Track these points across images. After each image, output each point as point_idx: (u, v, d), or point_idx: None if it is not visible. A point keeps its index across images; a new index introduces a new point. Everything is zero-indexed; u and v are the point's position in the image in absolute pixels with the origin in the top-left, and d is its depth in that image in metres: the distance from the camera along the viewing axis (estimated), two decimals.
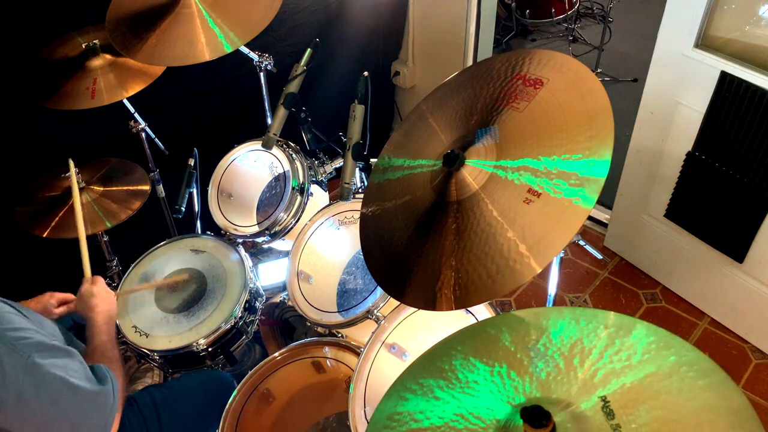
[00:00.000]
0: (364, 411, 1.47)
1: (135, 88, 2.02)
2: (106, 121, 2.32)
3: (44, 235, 1.94)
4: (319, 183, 2.16)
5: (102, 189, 2.07)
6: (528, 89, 1.24)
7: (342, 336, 1.79)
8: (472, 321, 1.56)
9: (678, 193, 2.37)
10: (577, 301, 2.65)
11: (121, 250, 2.28)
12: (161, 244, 2.03)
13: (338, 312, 1.77)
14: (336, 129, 1.95)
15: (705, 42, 2.08)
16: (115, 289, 1.96)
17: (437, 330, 1.53)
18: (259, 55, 2.09)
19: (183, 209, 2.00)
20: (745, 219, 2.17)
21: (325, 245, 1.93)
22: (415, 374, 1.01)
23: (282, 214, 2.01)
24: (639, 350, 0.89)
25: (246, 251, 2.00)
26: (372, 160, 1.63)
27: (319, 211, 1.96)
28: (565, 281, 2.72)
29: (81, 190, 2.02)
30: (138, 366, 2.08)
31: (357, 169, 1.75)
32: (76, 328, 1.76)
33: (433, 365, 1.00)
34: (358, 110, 1.65)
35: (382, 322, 1.59)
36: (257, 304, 1.94)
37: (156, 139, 2.29)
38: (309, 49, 1.79)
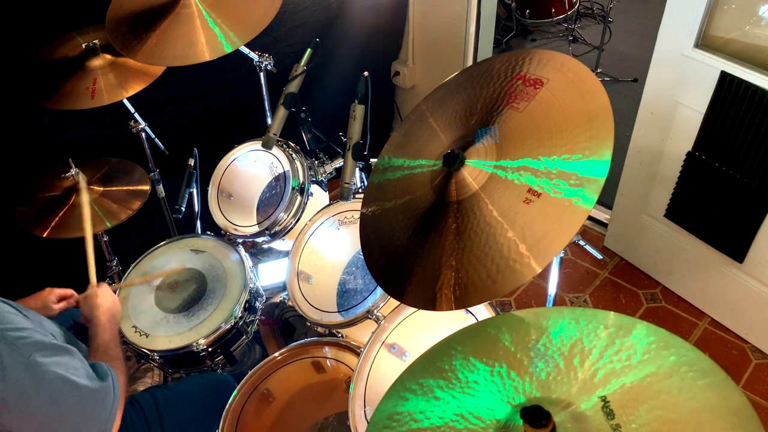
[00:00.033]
0: (364, 411, 1.47)
1: (135, 88, 2.02)
2: (106, 121, 2.32)
3: (44, 235, 1.94)
4: (319, 183, 2.16)
5: (102, 189, 2.07)
6: (528, 89, 1.24)
7: (342, 336, 1.79)
8: (472, 321, 1.56)
9: (678, 193, 2.37)
10: (577, 301, 2.65)
11: (121, 250, 2.28)
12: (161, 244, 2.03)
13: (338, 312, 1.77)
14: (336, 129, 1.95)
15: (705, 42, 2.08)
16: (115, 290, 1.96)
17: (437, 330, 1.53)
18: (259, 55, 2.09)
19: (183, 209, 2.00)
20: (745, 219, 2.17)
21: (325, 245, 1.93)
22: (415, 374, 1.01)
23: (282, 214, 2.01)
24: (639, 350, 0.89)
25: (246, 251, 2.00)
26: (372, 160, 1.63)
27: (319, 211, 1.96)
28: (565, 281, 2.72)
29: (81, 190, 2.03)
30: (138, 366, 2.08)
31: (357, 169, 1.75)
32: (76, 328, 1.76)
33: (433, 365, 1.00)
34: (358, 110, 1.65)
35: (382, 322, 1.59)
36: (257, 304, 1.95)
37: (156, 139, 2.29)
38: (309, 49, 1.79)
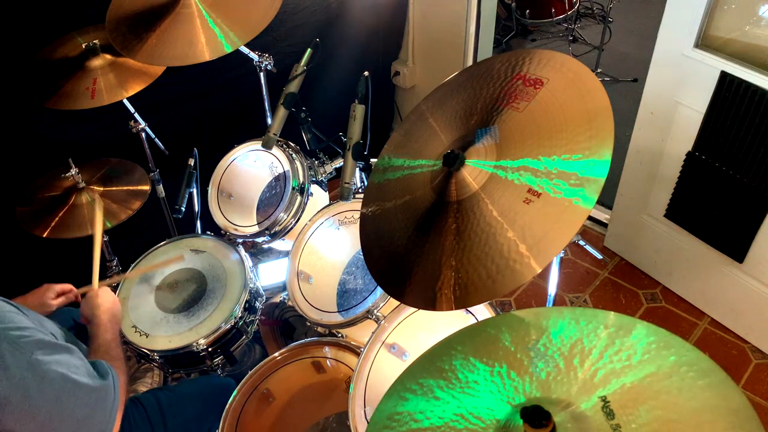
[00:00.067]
0: (364, 411, 1.47)
1: (135, 88, 2.02)
2: (106, 121, 2.32)
3: (44, 235, 1.94)
4: (319, 183, 2.16)
5: (102, 189, 2.07)
6: (528, 89, 1.24)
7: (342, 336, 1.79)
8: (472, 321, 1.56)
9: (678, 193, 2.37)
10: (577, 301, 2.65)
11: (121, 250, 2.28)
12: (161, 244, 2.03)
13: (338, 312, 1.77)
14: (336, 129, 1.95)
15: (705, 42, 2.08)
16: (115, 289, 1.96)
17: (437, 330, 1.53)
18: (259, 55, 2.09)
19: (183, 209, 2.00)
20: (745, 219, 2.17)
21: (325, 245, 1.93)
22: (415, 374, 1.01)
23: (282, 214, 2.01)
24: (639, 350, 0.89)
25: (246, 251, 2.00)
26: (372, 160, 1.63)
27: (319, 211, 1.96)
28: (565, 281, 2.72)
29: (81, 190, 2.03)
30: (138, 366, 2.08)
31: (357, 169, 1.75)
32: (77, 328, 1.76)
33: (433, 365, 1.00)
34: (358, 110, 1.65)
35: (382, 322, 1.59)
36: (257, 304, 1.94)
37: (156, 139, 2.29)
38: (309, 49, 1.79)
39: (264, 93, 2.20)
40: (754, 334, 2.41)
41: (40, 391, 1.14)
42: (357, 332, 1.78)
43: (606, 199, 2.80)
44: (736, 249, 2.25)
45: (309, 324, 1.82)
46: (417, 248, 1.25)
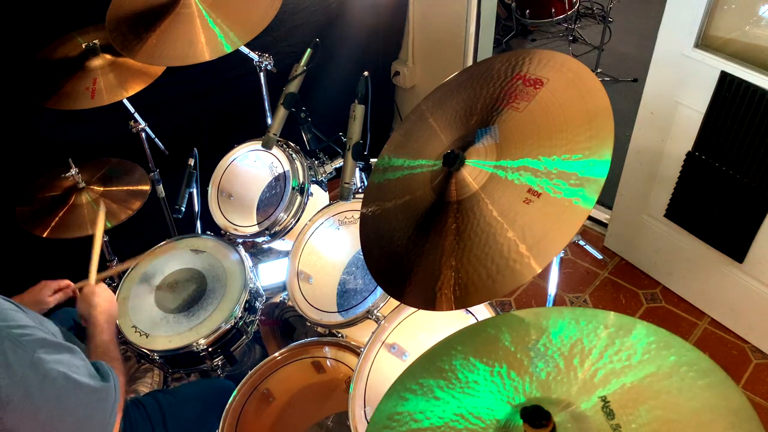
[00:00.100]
0: (364, 411, 1.47)
1: (135, 88, 2.02)
2: (106, 121, 2.32)
3: (44, 235, 1.94)
4: (319, 183, 2.16)
5: (102, 189, 2.07)
6: (528, 89, 1.24)
7: (342, 336, 1.79)
8: (472, 321, 1.56)
9: (678, 193, 2.37)
10: (577, 301, 2.65)
11: (121, 250, 2.28)
12: (161, 244, 2.03)
13: (338, 312, 1.77)
14: (336, 129, 1.95)
15: (705, 42, 2.08)
16: (115, 289, 1.96)
17: (437, 330, 1.53)
18: (259, 55, 2.09)
19: (183, 209, 2.00)
20: (745, 219, 2.17)
21: (325, 245, 1.93)
22: (415, 374, 1.01)
23: (282, 214, 2.01)
24: (639, 350, 0.89)
25: (246, 251, 2.00)
26: (372, 160, 1.63)
27: (319, 211, 1.96)
28: (565, 281, 2.72)
29: (81, 190, 2.03)
30: (138, 366, 2.08)
31: (357, 169, 1.75)
32: (77, 328, 1.76)
33: (433, 365, 1.00)
34: (358, 110, 1.65)
35: (382, 322, 1.59)
36: (257, 304, 1.94)
37: (156, 139, 2.29)
38: (309, 49, 1.79)
39: (264, 93, 2.20)
40: (754, 334, 2.41)
41: (42, 390, 1.14)
42: (357, 332, 1.78)
43: (606, 199, 2.80)
44: (736, 249, 2.25)
45: (309, 324, 1.82)
46: (417, 248, 1.25)
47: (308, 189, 2.03)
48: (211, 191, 2.14)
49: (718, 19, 2.04)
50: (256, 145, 2.14)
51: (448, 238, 1.20)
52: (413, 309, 1.59)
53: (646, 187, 2.50)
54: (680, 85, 2.19)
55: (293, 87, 1.80)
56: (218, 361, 1.89)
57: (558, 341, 0.95)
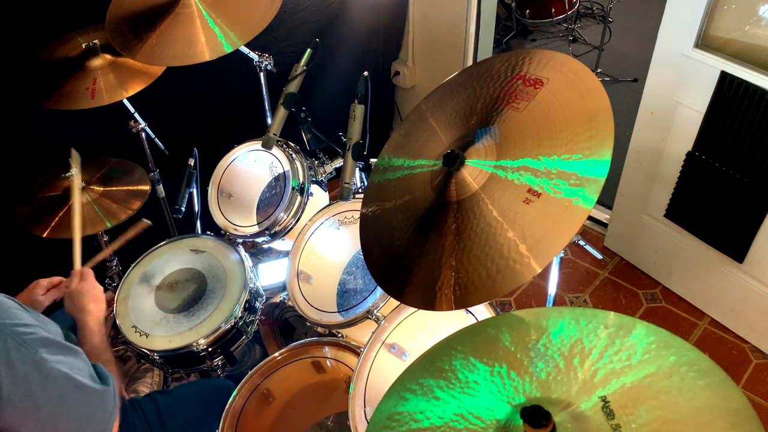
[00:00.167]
0: (364, 411, 1.47)
1: (135, 88, 2.02)
2: (106, 121, 2.32)
3: (44, 235, 1.94)
4: (319, 183, 2.16)
5: (102, 189, 2.08)
6: (528, 89, 1.24)
7: (342, 336, 1.79)
8: (472, 321, 1.56)
9: (678, 193, 2.37)
10: (577, 301, 2.65)
11: (121, 250, 2.27)
12: (161, 244, 2.03)
13: (338, 312, 1.77)
14: (336, 129, 1.95)
15: (705, 42, 2.08)
16: (115, 289, 1.96)
17: (437, 330, 1.53)
18: (259, 55, 2.09)
19: (183, 209, 2.00)
20: (745, 219, 2.17)
21: (325, 245, 1.93)
22: (415, 374, 1.01)
23: (282, 214, 2.01)
24: (639, 350, 0.89)
25: (246, 251, 2.00)
26: (372, 160, 1.63)
27: (319, 211, 1.96)
28: (565, 281, 2.72)
29: (81, 190, 2.03)
30: (138, 366, 2.08)
31: (357, 169, 1.75)
32: (76, 327, 1.76)
33: (433, 365, 1.00)
34: (358, 110, 1.65)
35: (382, 322, 1.59)
36: (257, 304, 1.94)
37: (156, 139, 2.29)
38: (309, 49, 1.79)
39: (264, 93, 2.20)
40: (754, 334, 2.41)
41: (43, 389, 1.14)
42: (357, 332, 1.78)
43: (606, 199, 2.80)
44: (736, 249, 2.25)
45: (309, 324, 1.82)
46: (417, 248, 1.25)
47: (308, 189, 2.03)
48: (211, 191, 2.14)
49: (718, 19, 2.04)
50: (256, 145, 2.14)
51: (448, 238, 1.20)
52: (413, 309, 1.59)
53: (646, 187, 2.50)
54: (680, 85, 2.19)
55: (293, 87, 1.80)
56: (218, 361, 1.89)
57: (558, 341, 0.95)
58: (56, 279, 1.64)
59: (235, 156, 2.18)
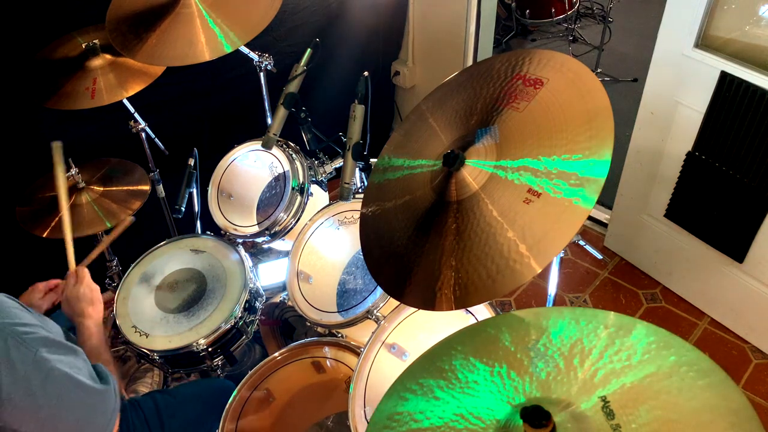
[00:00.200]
0: (364, 411, 1.47)
1: (135, 88, 2.02)
2: (106, 121, 2.32)
3: (44, 235, 1.94)
4: (319, 183, 2.16)
5: (102, 189, 2.07)
6: (528, 89, 1.24)
7: (342, 336, 1.79)
8: (472, 321, 1.56)
9: (678, 193, 2.37)
10: (577, 301, 2.65)
11: (121, 250, 2.28)
12: (161, 244, 2.03)
13: (338, 312, 1.77)
14: (336, 129, 1.95)
15: (705, 42, 2.08)
16: (115, 289, 1.96)
17: (437, 330, 1.53)
18: (259, 55, 2.09)
19: (183, 209, 2.00)
20: (745, 219, 2.17)
21: (325, 245, 1.93)
22: (415, 374, 1.01)
23: (282, 214, 2.01)
24: (639, 350, 0.89)
25: (246, 251, 2.00)
26: (372, 160, 1.63)
27: (319, 211, 1.96)
28: (565, 281, 2.72)
29: (81, 190, 2.03)
30: (138, 366, 2.08)
31: (357, 169, 1.75)
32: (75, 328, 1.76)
33: (433, 365, 1.00)
34: (358, 110, 1.65)
35: (382, 322, 1.59)
36: (257, 304, 1.94)
37: (156, 139, 2.29)
38: (309, 49, 1.79)
39: (264, 93, 2.20)
40: (754, 334, 2.41)
41: (43, 388, 1.14)
42: (357, 332, 1.78)
43: (606, 199, 2.80)
44: (736, 249, 2.25)
45: (309, 324, 1.82)
46: (417, 248, 1.25)
47: (308, 189, 2.03)
48: (211, 191, 2.14)
49: (718, 19, 2.04)
50: (256, 145, 2.15)
51: (448, 238, 1.20)
52: (413, 309, 1.59)
53: (646, 187, 2.50)
54: (680, 85, 2.19)
55: (293, 87, 1.80)
56: (218, 361, 1.89)
57: (558, 341, 0.95)
58: (53, 282, 1.63)
59: (235, 156, 2.18)
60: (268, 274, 2.13)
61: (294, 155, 2.06)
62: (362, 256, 1.41)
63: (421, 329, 1.60)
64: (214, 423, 1.60)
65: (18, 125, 2.26)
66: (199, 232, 2.20)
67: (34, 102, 1.99)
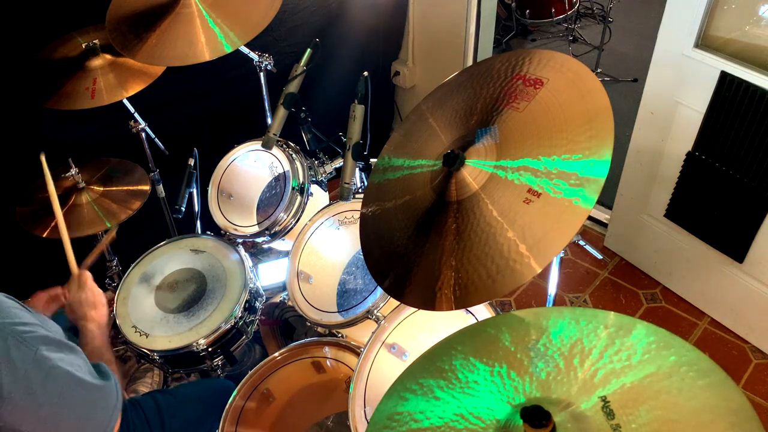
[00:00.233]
0: (364, 411, 1.47)
1: (135, 88, 2.02)
2: (106, 121, 2.32)
3: (44, 235, 1.94)
4: (319, 183, 2.16)
5: (102, 189, 2.07)
6: (528, 89, 1.24)
7: (342, 336, 1.79)
8: (472, 321, 1.56)
9: (678, 193, 2.37)
10: (577, 301, 2.65)
11: (121, 250, 2.28)
12: (161, 244, 2.03)
13: (338, 312, 1.77)
14: (336, 129, 1.95)
15: (705, 42, 2.08)
16: (115, 289, 1.96)
17: (437, 330, 1.53)
18: (259, 55, 2.09)
19: (183, 209, 2.00)
20: (745, 219, 2.17)
21: (325, 245, 1.93)
22: (415, 374, 1.01)
23: (282, 214, 2.01)
24: (639, 350, 0.89)
25: (246, 251, 2.00)
26: (372, 160, 1.63)
27: (319, 211, 1.96)
28: (565, 281, 2.72)
29: (81, 190, 2.03)
30: (138, 366, 2.08)
31: (357, 169, 1.75)
32: (75, 328, 1.75)
33: (433, 365, 1.00)
34: (358, 110, 1.65)
35: (382, 322, 1.59)
36: (257, 304, 1.94)
37: (156, 139, 2.29)
38: (309, 49, 1.79)
39: (264, 93, 2.20)
40: (754, 334, 2.41)
41: (44, 387, 1.14)
42: (357, 332, 1.78)
43: (606, 199, 2.80)
44: (736, 249, 2.25)
45: (309, 324, 1.82)
46: (417, 248, 1.25)
47: (308, 189, 2.03)
48: (211, 191, 2.14)
49: (718, 19, 2.04)
50: (256, 145, 2.15)
51: (448, 238, 1.20)
52: (413, 309, 1.59)
53: (646, 187, 2.50)
54: (680, 85, 2.19)
55: (293, 87, 1.80)
56: (218, 361, 1.89)
57: (558, 341, 0.95)
58: (53, 292, 1.63)
59: (235, 156, 2.18)
60: (268, 274, 2.13)
61: (294, 155, 2.06)
62: (362, 256, 1.41)
63: (421, 329, 1.60)
64: (215, 423, 1.60)
65: (18, 125, 2.26)
66: (199, 232, 2.21)
67: (34, 102, 1.99)
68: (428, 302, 1.19)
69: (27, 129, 2.29)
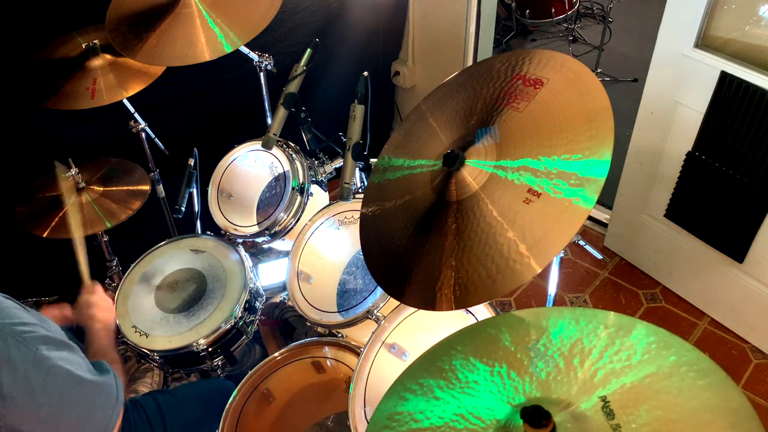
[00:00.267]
0: (364, 411, 1.47)
1: (135, 88, 2.02)
2: (106, 121, 2.32)
3: (44, 235, 1.94)
4: (319, 183, 2.16)
5: (102, 189, 2.07)
6: (528, 89, 1.24)
7: (342, 336, 1.79)
8: (472, 321, 1.56)
9: (678, 193, 2.37)
10: (577, 301, 2.65)
11: (121, 250, 2.28)
12: (161, 244, 2.03)
13: (338, 312, 1.77)
14: (336, 129, 1.95)
15: (705, 42, 2.08)
16: (115, 289, 1.96)
17: (437, 330, 1.53)
18: (259, 55, 2.09)
19: (183, 209, 2.00)
20: (745, 219, 2.17)
21: (325, 245, 1.93)
22: (415, 374, 1.01)
23: (282, 214, 2.01)
24: (639, 350, 0.89)
25: (246, 251, 2.00)
26: (372, 160, 1.63)
27: (319, 211, 1.96)
28: (565, 281, 2.72)
29: (81, 190, 2.03)
30: (138, 366, 2.08)
31: (357, 169, 1.75)
32: (75, 329, 1.76)
33: (433, 365, 1.00)
34: (358, 110, 1.65)
35: (382, 322, 1.59)
36: (257, 304, 1.95)
37: (156, 139, 2.29)
38: (309, 49, 1.79)
39: (264, 93, 2.20)
40: (754, 334, 2.41)
41: (44, 386, 1.14)
42: (357, 332, 1.78)
43: (606, 199, 2.80)
44: (736, 249, 2.25)
45: (309, 324, 1.82)
46: (417, 248, 1.25)
47: (308, 189, 2.03)
48: (211, 191, 2.14)
49: (718, 19, 2.04)
50: (256, 145, 2.15)
51: (448, 238, 1.20)
52: (413, 309, 1.59)
53: (646, 187, 2.50)
54: (680, 85, 2.19)
55: (293, 87, 1.80)
56: (218, 361, 1.89)
57: (558, 341, 0.95)
58: (57, 311, 1.65)
59: (235, 156, 2.18)
60: (268, 274, 2.13)
61: (294, 155, 2.06)
62: (362, 256, 1.41)
63: (421, 329, 1.60)
64: (215, 423, 1.60)
65: (18, 125, 2.26)
66: (199, 232, 2.21)
67: (34, 102, 1.99)
68: (428, 302, 1.19)
69: (27, 129, 2.29)
